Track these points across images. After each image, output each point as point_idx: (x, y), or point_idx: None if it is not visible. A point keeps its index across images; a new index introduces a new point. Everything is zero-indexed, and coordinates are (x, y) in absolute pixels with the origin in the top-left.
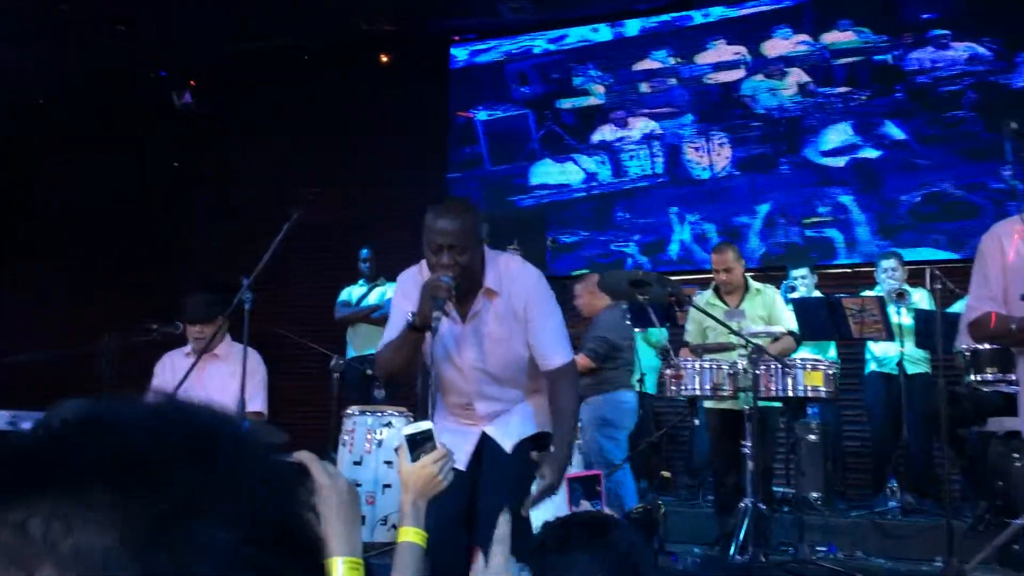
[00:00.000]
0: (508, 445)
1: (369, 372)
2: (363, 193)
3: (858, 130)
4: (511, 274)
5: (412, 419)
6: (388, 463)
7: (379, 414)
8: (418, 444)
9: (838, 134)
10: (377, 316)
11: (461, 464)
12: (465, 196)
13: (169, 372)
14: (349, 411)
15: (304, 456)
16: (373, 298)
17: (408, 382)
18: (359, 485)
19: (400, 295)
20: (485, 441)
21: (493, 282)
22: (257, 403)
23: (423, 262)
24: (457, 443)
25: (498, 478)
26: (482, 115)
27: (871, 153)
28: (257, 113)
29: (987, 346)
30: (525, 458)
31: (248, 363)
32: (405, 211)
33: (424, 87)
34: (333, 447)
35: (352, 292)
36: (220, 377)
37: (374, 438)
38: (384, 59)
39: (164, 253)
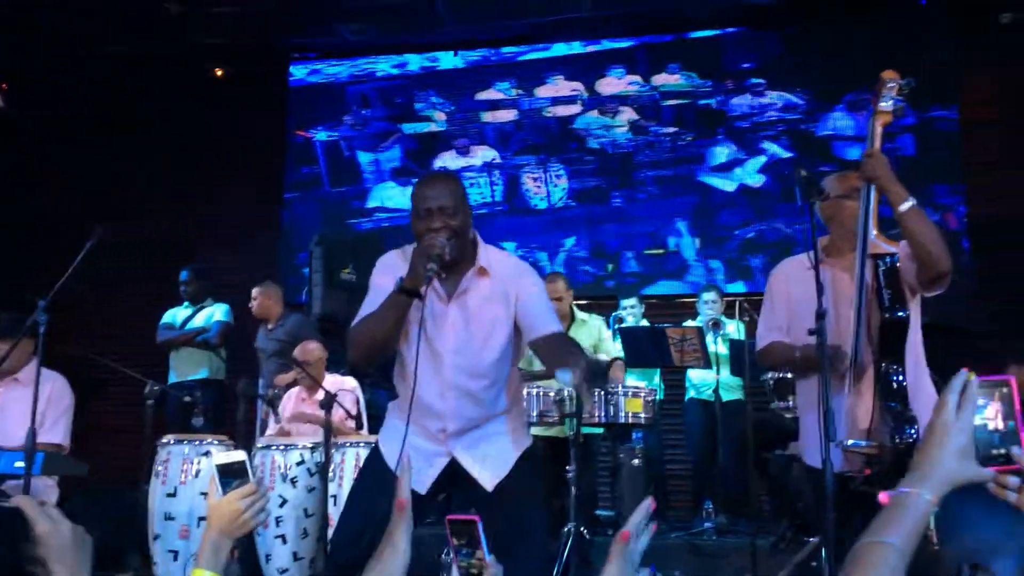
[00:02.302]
0: (489, 483)
1: (188, 399)
2: (190, 209)
3: (684, 168)
4: (498, 256)
5: (232, 447)
6: (205, 495)
7: (197, 443)
8: (230, 475)
9: (666, 171)
10: (202, 340)
11: (421, 487)
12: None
13: None
14: (164, 440)
15: (22, 502)
16: (199, 320)
17: (386, 363)
18: (172, 518)
19: (379, 273)
20: (459, 471)
21: (485, 261)
22: (57, 434)
23: (405, 247)
24: (420, 466)
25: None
26: (321, 135)
27: (696, 190)
28: (78, 121)
29: (789, 375)
30: (521, 480)
31: (51, 390)
32: (234, 230)
33: (261, 103)
34: (145, 478)
35: (176, 314)
36: (22, 403)
37: (190, 468)
38: (219, 72)
39: None
